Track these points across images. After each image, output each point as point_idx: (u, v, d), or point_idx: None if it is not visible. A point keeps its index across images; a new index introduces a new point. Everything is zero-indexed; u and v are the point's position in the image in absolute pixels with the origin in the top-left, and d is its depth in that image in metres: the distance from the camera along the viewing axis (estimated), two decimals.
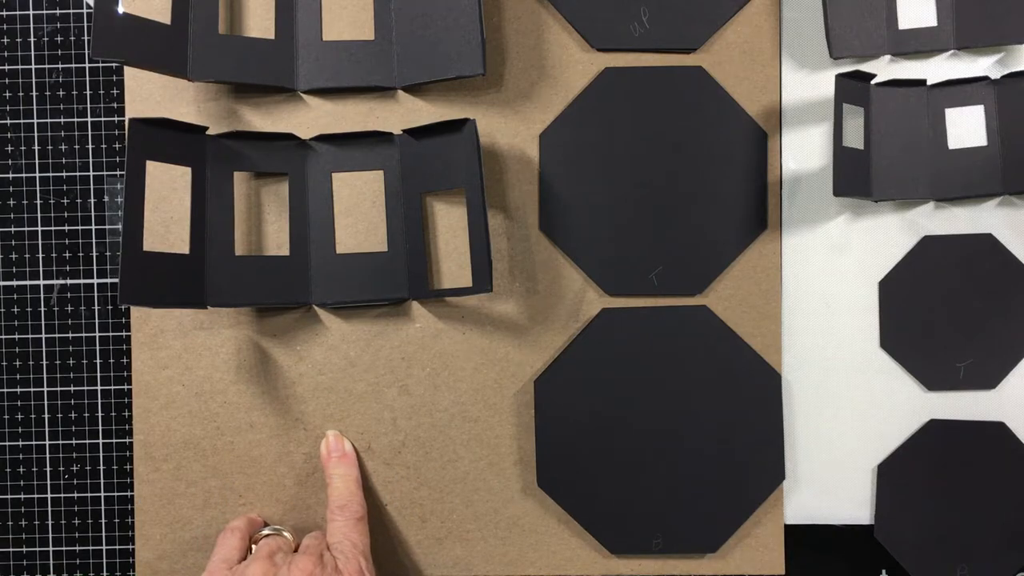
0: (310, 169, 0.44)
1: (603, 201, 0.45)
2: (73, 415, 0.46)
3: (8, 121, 0.46)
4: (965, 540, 0.45)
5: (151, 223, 0.44)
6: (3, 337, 0.46)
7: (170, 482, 0.45)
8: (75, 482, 0.46)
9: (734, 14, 0.45)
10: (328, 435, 0.45)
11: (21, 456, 0.46)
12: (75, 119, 0.46)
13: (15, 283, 0.46)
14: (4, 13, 0.46)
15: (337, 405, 0.45)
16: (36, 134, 0.46)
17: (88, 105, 0.46)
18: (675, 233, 0.45)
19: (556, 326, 0.45)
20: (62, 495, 0.46)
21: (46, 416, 0.46)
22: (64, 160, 0.46)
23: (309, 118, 0.45)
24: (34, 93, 0.46)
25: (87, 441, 0.46)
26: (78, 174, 0.46)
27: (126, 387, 0.45)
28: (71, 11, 0.46)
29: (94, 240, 0.46)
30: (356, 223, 0.45)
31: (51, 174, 0.46)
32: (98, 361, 0.46)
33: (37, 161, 0.46)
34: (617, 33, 0.45)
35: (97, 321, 0.46)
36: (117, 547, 0.46)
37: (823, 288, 0.45)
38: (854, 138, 0.44)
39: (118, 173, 0.46)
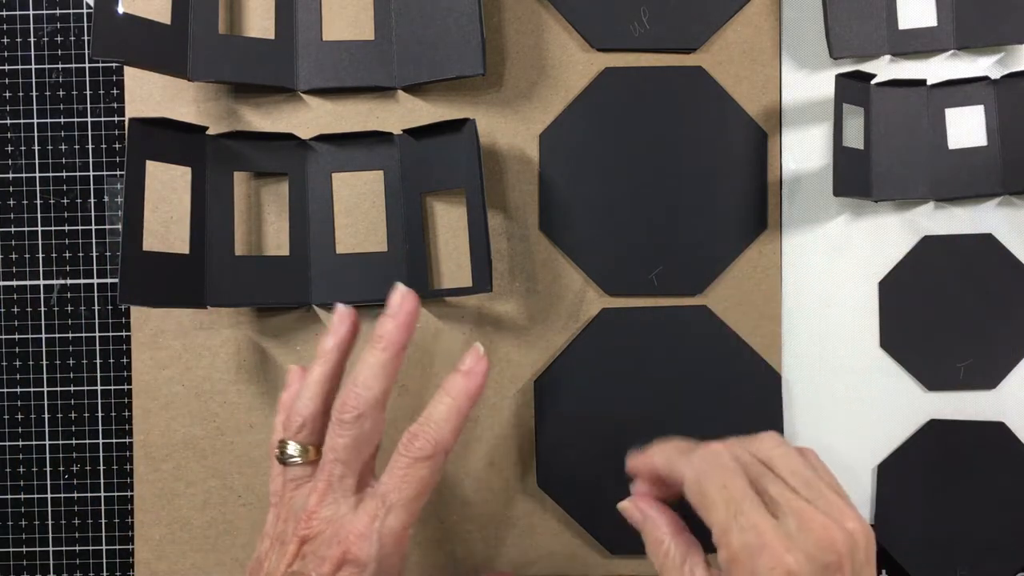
0: (310, 169, 0.44)
1: (603, 201, 0.45)
2: (73, 415, 0.46)
3: (8, 121, 0.46)
4: (965, 540, 0.45)
5: (151, 223, 0.44)
6: (3, 337, 0.46)
7: (170, 482, 0.45)
8: (75, 482, 0.46)
9: (734, 14, 0.45)
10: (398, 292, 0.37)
11: (21, 456, 0.46)
12: (75, 119, 0.46)
13: (15, 283, 0.46)
14: (4, 13, 0.46)
15: None
16: (36, 134, 0.46)
17: (88, 105, 0.46)
18: (675, 233, 0.45)
19: (556, 326, 0.45)
20: (62, 495, 0.46)
21: (46, 416, 0.46)
22: (64, 160, 0.46)
23: (309, 118, 0.45)
24: (34, 93, 0.46)
25: (87, 441, 0.46)
26: (78, 174, 0.46)
27: (126, 387, 0.45)
28: (71, 11, 0.46)
29: (94, 240, 0.46)
30: (356, 223, 0.45)
31: (51, 174, 0.46)
32: (98, 361, 0.46)
33: (37, 161, 0.46)
34: (617, 33, 0.45)
35: (97, 321, 0.46)
36: (117, 547, 0.46)
37: (823, 288, 0.45)
38: (854, 138, 0.44)
39: (118, 173, 0.46)
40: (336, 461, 0.34)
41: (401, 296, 0.36)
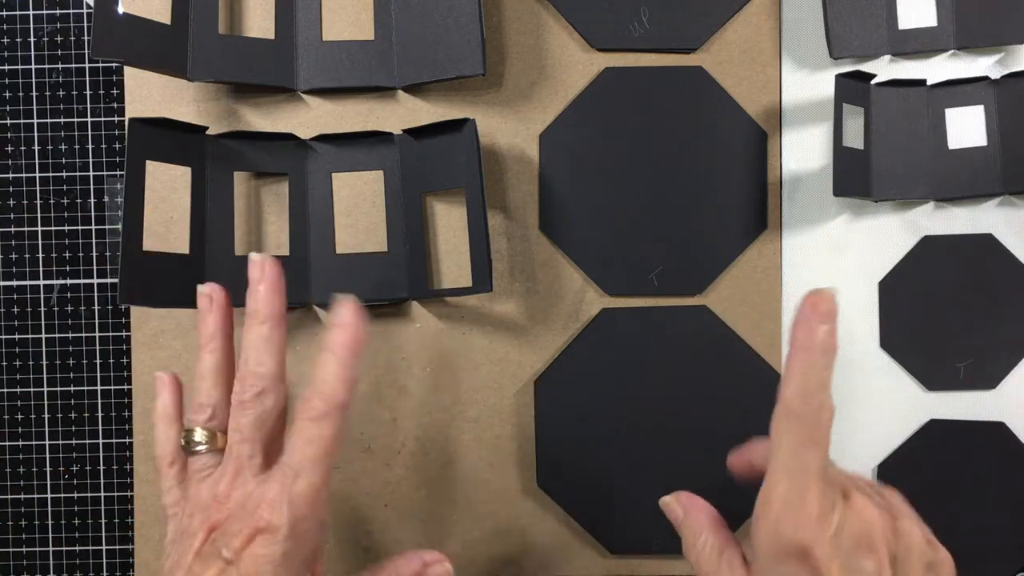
0: (310, 169, 0.44)
1: (603, 201, 0.45)
2: (73, 415, 0.46)
3: (8, 121, 0.46)
4: (965, 540, 0.44)
5: (151, 223, 0.44)
6: (3, 337, 0.46)
7: None
8: (75, 482, 0.46)
9: (734, 14, 0.45)
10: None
11: (21, 456, 0.46)
12: (75, 119, 0.46)
13: (15, 283, 0.46)
14: (4, 13, 0.46)
15: None
16: (36, 134, 0.46)
17: (88, 105, 0.46)
18: (675, 233, 0.45)
19: (556, 326, 0.45)
20: (62, 495, 0.46)
21: (46, 416, 0.46)
22: (64, 160, 0.46)
23: (309, 118, 0.45)
24: (34, 93, 0.46)
25: (87, 441, 0.46)
26: (78, 174, 0.46)
27: (126, 387, 0.45)
28: (71, 11, 0.46)
29: (94, 240, 0.46)
30: (356, 223, 0.45)
31: (51, 174, 0.46)
32: (98, 361, 0.46)
33: (37, 161, 0.46)
34: (617, 33, 0.45)
35: (97, 321, 0.46)
36: (117, 547, 0.46)
37: None
38: (854, 138, 0.44)
39: (118, 173, 0.46)
40: (243, 441, 0.33)
41: (259, 264, 0.34)
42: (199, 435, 0.34)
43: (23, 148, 0.46)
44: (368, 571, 0.35)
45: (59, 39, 0.46)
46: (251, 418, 0.33)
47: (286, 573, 0.31)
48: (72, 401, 0.46)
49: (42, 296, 0.46)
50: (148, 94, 0.45)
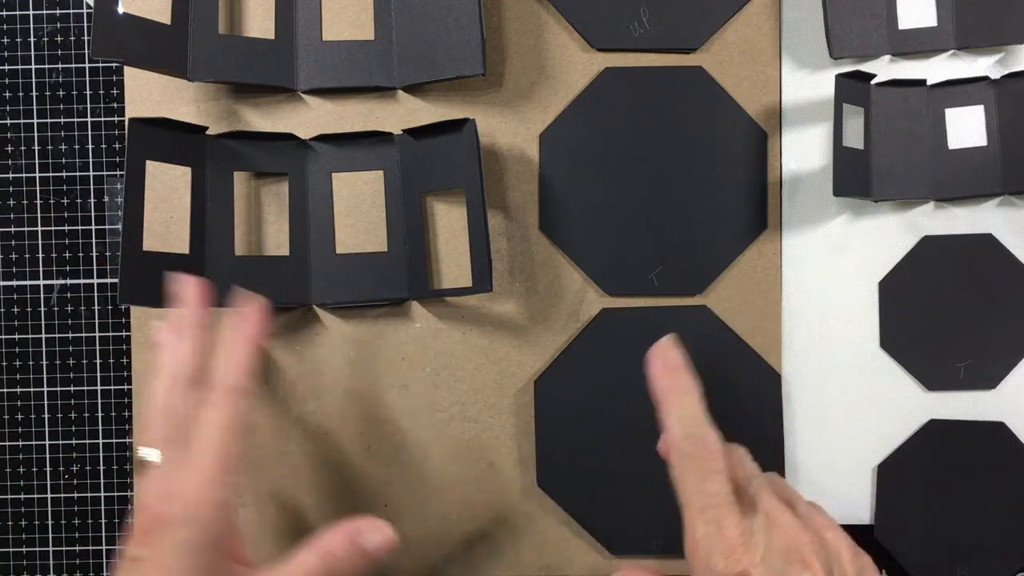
0: (310, 169, 0.44)
1: (603, 201, 0.45)
2: (73, 415, 0.46)
3: (8, 121, 0.46)
4: (965, 540, 0.45)
5: (151, 223, 0.44)
6: (3, 337, 0.46)
7: None
8: (75, 482, 0.46)
9: (734, 14, 0.45)
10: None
11: (21, 456, 0.46)
12: (75, 119, 0.46)
13: (15, 283, 0.46)
14: (4, 13, 0.46)
15: (337, 405, 0.45)
16: (36, 134, 0.46)
17: (88, 105, 0.46)
18: (675, 233, 0.45)
19: (556, 326, 0.45)
20: (62, 495, 0.46)
21: (46, 416, 0.46)
22: (64, 160, 0.46)
23: (309, 118, 0.45)
24: (34, 93, 0.46)
25: (87, 441, 0.46)
26: (78, 174, 0.46)
27: (126, 387, 0.45)
28: (71, 11, 0.46)
29: (94, 240, 0.46)
30: (356, 223, 0.45)
31: (51, 174, 0.46)
32: (98, 361, 0.46)
33: (37, 161, 0.46)
34: (617, 33, 0.45)
35: (97, 321, 0.46)
36: (117, 547, 0.46)
37: (823, 288, 0.45)
38: (854, 138, 0.44)
39: (118, 173, 0.46)
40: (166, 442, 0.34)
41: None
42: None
43: (23, 148, 0.46)
44: (301, 550, 0.34)
45: (59, 39, 0.46)
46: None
47: (188, 560, 0.31)
48: (72, 401, 0.46)
49: (42, 296, 0.46)
50: (148, 94, 0.45)
